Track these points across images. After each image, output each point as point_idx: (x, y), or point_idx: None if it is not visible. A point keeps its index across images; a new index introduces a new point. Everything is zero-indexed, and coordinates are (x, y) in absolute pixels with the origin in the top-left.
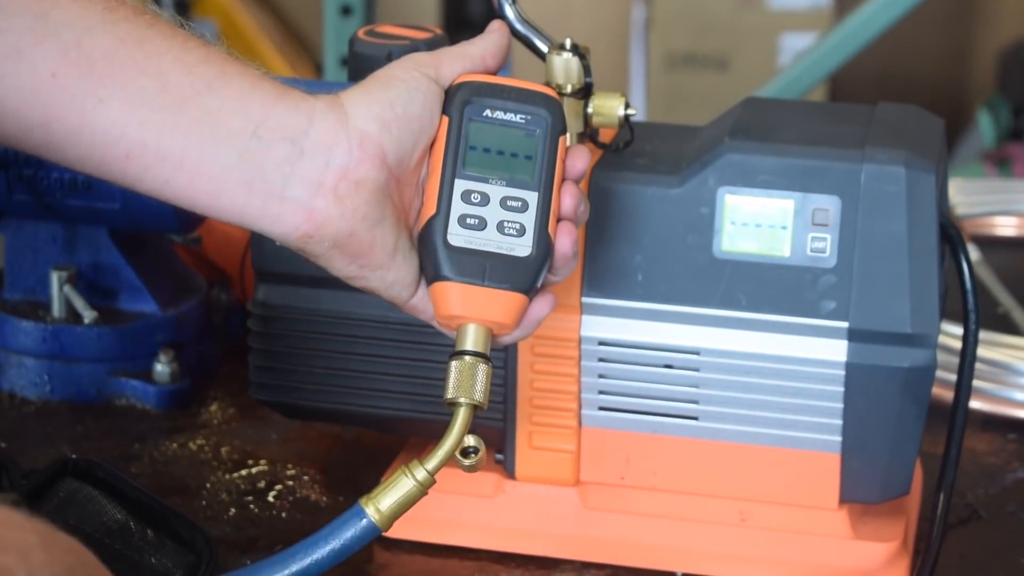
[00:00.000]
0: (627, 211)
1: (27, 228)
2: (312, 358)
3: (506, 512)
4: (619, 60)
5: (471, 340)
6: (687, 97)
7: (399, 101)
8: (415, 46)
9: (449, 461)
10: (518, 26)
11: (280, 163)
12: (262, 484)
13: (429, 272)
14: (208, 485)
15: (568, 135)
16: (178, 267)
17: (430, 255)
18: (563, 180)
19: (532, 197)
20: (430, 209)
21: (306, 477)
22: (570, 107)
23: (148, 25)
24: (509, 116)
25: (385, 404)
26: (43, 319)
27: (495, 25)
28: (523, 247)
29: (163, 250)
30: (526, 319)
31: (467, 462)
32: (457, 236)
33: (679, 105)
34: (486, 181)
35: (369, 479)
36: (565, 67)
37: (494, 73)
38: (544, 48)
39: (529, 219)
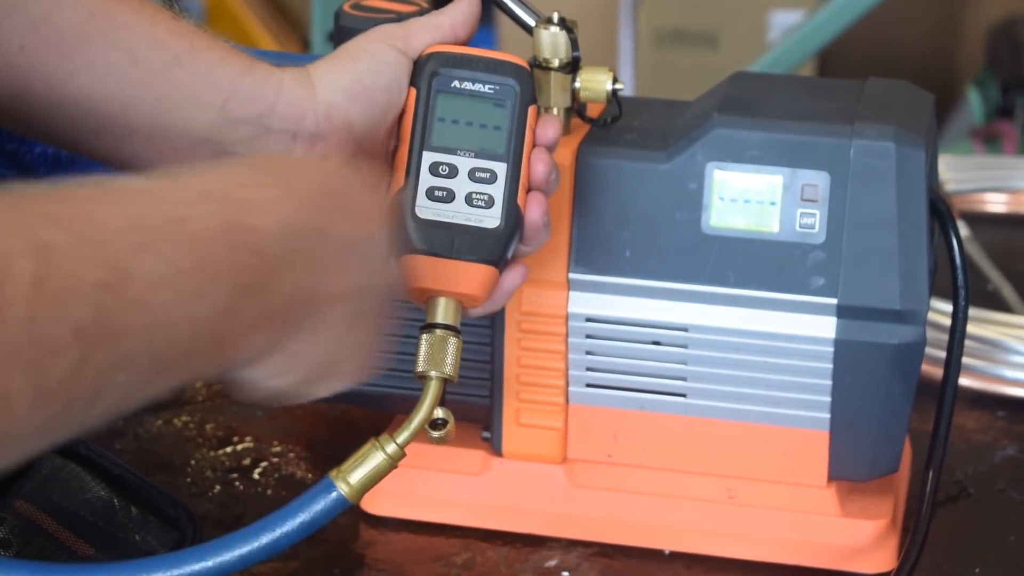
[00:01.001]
0: (615, 187)
1: None
2: None
3: (492, 489)
4: (608, 37)
5: (441, 313)
6: (676, 74)
7: (366, 73)
8: (401, 19)
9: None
10: (505, 0)
11: (248, 137)
12: (247, 461)
13: (398, 246)
14: (193, 462)
15: (539, 105)
16: None
17: (398, 228)
18: (533, 148)
19: (501, 168)
20: (398, 182)
21: (292, 454)
22: (557, 82)
23: None
24: (477, 87)
25: (371, 380)
26: None
27: None
28: (492, 219)
29: None
30: (497, 290)
31: (436, 434)
32: (425, 209)
33: (668, 82)
34: (454, 153)
35: None
36: (552, 41)
37: (465, 42)
38: (531, 22)
39: (498, 190)
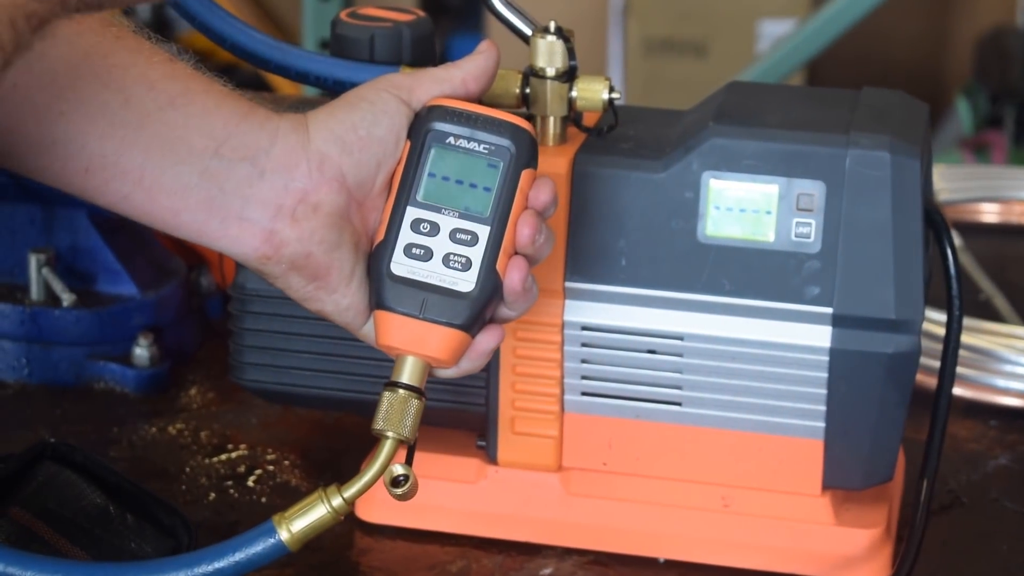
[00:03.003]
0: (611, 195)
1: (5, 210)
2: (292, 342)
3: (488, 497)
4: (597, 45)
5: (407, 373)
6: (665, 83)
7: (363, 123)
8: (398, 29)
9: (378, 484)
10: (502, 9)
11: (240, 184)
12: (242, 469)
13: (372, 300)
14: (188, 469)
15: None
16: (157, 250)
17: (373, 283)
18: (523, 212)
19: (483, 231)
20: (379, 235)
21: (286, 462)
22: (554, 90)
23: (114, 39)
24: (472, 145)
25: (365, 388)
26: (21, 302)
27: (483, 46)
28: (466, 282)
29: (142, 233)
30: (472, 351)
31: (398, 491)
32: (400, 265)
33: (657, 91)
34: (439, 211)
35: (349, 463)
36: (549, 50)
37: (477, 97)
38: (528, 31)
39: (477, 254)
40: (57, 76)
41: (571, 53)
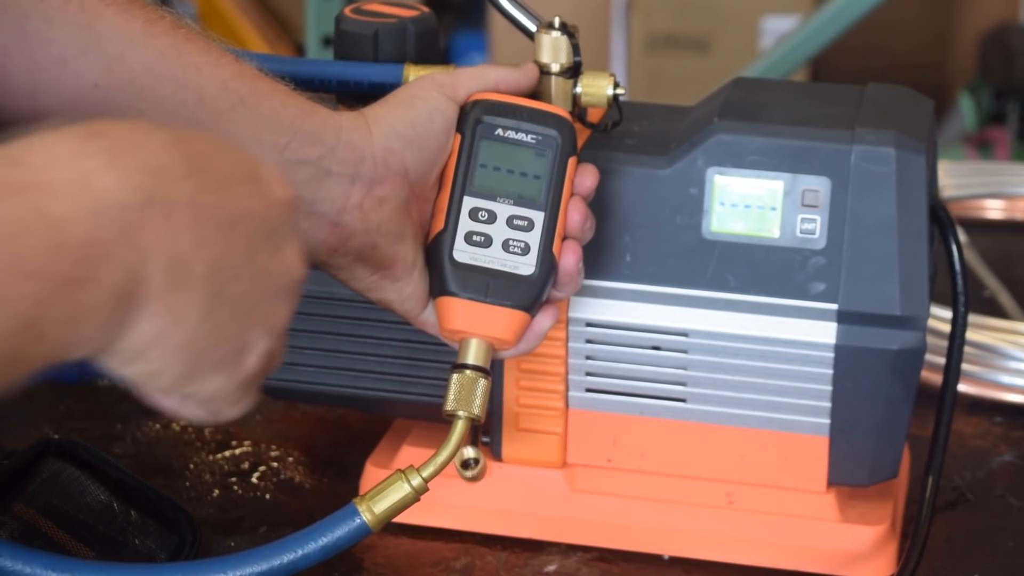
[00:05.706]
0: (615, 191)
1: None
2: (296, 338)
3: (492, 494)
4: (600, 41)
5: (473, 354)
6: (668, 79)
7: (420, 120)
8: (403, 24)
9: (446, 471)
10: (506, 5)
11: (308, 179)
12: (246, 465)
13: (435, 287)
14: (191, 466)
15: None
16: None
17: (436, 270)
18: (571, 198)
19: (538, 217)
20: (438, 224)
21: (290, 458)
22: (558, 86)
23: (185, 39)
24: (520, 136)
25: (369, 384)
26: None
27: (528, 66)
28: (527, 266)
29: None
30: (529, 333)
31: (469, 473)
32: (463, 252)
33: (660, 87)
34: (494, 199)
35: (353, 460)
36: (554, 46)
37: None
38: (532, 27)
39: (534, 238)
40: (136, 77)
41: (576, 49)
